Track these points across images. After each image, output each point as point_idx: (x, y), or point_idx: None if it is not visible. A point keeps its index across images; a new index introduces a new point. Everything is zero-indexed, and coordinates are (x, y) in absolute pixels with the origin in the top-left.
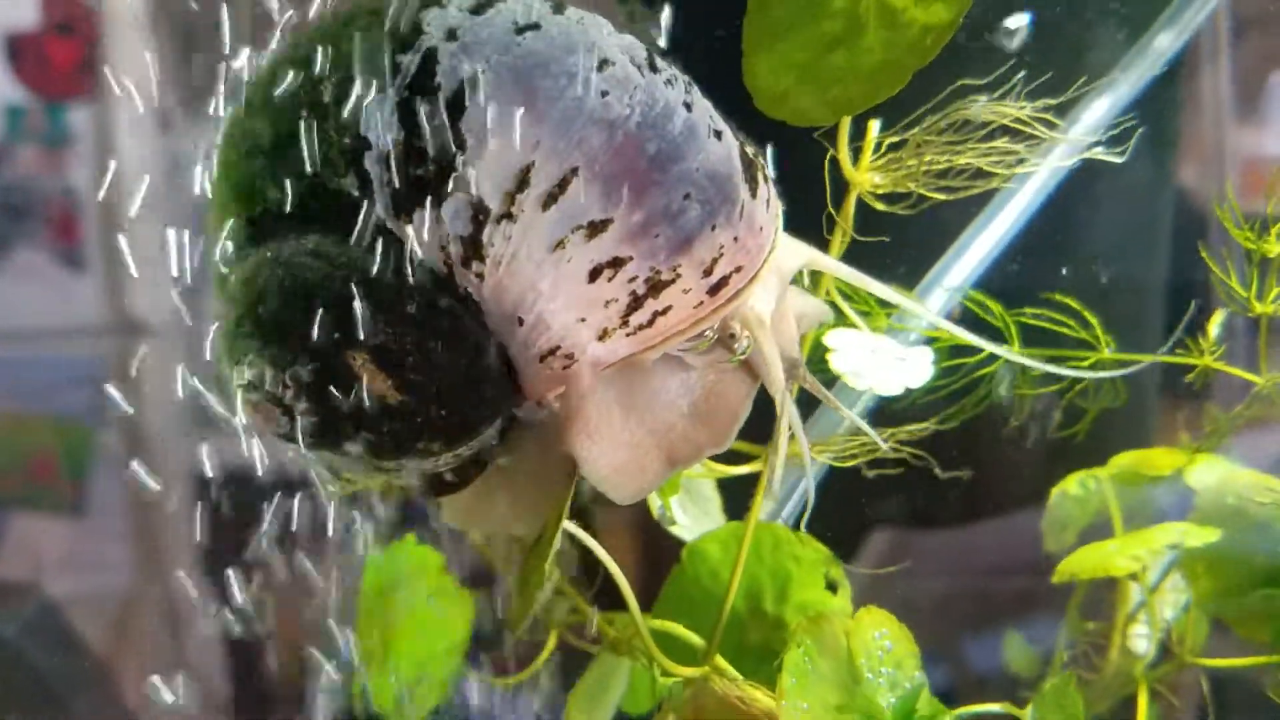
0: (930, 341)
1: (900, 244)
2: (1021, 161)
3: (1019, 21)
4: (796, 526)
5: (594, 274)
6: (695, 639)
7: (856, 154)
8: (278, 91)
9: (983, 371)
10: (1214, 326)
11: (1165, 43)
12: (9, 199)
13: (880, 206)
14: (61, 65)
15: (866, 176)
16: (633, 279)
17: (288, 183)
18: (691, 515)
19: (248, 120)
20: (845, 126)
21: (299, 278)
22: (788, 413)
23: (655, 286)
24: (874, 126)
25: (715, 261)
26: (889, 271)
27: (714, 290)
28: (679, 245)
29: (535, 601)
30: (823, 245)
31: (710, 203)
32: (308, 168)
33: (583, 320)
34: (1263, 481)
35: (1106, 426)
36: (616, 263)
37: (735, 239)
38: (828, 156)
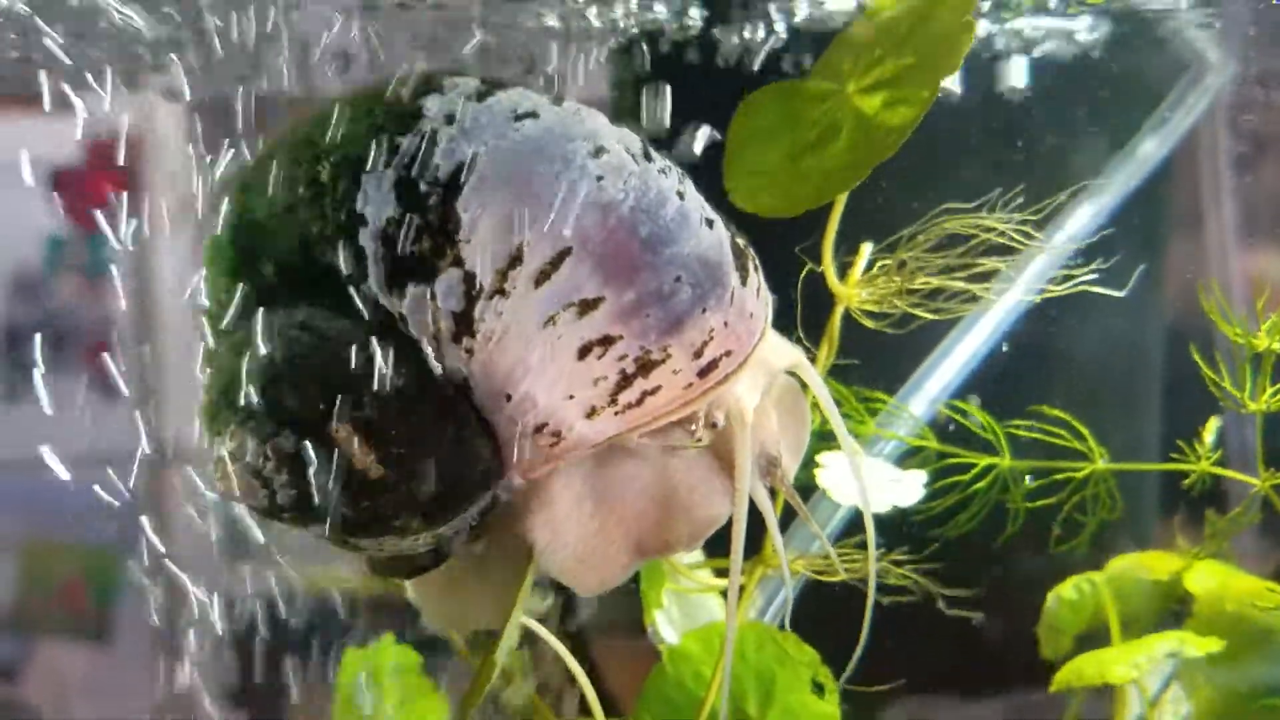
0: (915, 452)
1: (885, 348)
2: (1004, 276)
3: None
4: (783, 626)
5: (584, 351)
6: None
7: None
8: (277, 169)
9: (976, 487)
10: (1209, 433)
11: (1150, 149)
12: (48, 327)
13: (869, 324)
14: (102, 198)
15: (854, 292)
16: (622, 357)
17: (282, 256)
18: (681, 630)
19: (247, 196)
20: (830, 240)
21: (286, 348)
22: (743, 509)
23: (645, 366)
24: (865, 250)
25: (705, 344)
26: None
27: (704, 372)
28: (670, 326)
29: (482, 693)
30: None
31: (701, 286)
32: (303, 242)
33: (571, 397)
34: (1262, 587)
35: (1104, 537)
36: (607, 341)
37: (725, 323)
38: (803, 272)
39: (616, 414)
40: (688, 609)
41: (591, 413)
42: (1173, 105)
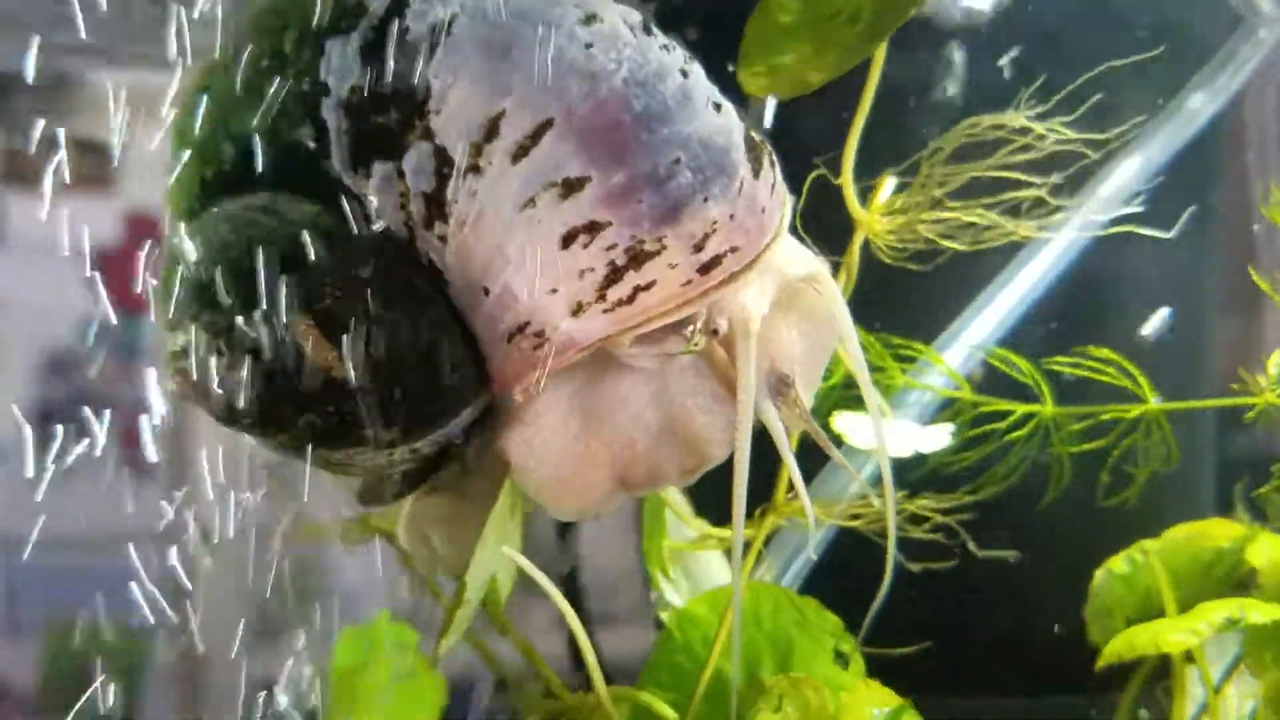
0: (948, 403)
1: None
2: (1046, 206)
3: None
4: (805, 591)
5: (568, 239)
6: (670, 714)
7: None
8: (239, 41)
9: (1013, 435)
10: (1273, 365)
11: (1198, 104)
12: (82, 407)
13: (887, 259)
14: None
15: (875, 219)
16: (611, 247)
17: (244, 136)
18: (687, 595)
19: (211, 76)
20: (850, 157)
21: (244, 234)
22: (747, 428)
23: (637, 257)
24: (888, 179)
25: (707, 237)
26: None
27: (705, 269)
28: (665, 214)
29: (459, 624)
30: None
31: (703, 171)
32: (264, 119)
33: (555, 292)
34: None
35: (1155, 501)
36: (594, 227)
37: (731, 216)
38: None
39: (606, 311)
40: (696, 573)
41: (578, 309)
42: (1223, 60)
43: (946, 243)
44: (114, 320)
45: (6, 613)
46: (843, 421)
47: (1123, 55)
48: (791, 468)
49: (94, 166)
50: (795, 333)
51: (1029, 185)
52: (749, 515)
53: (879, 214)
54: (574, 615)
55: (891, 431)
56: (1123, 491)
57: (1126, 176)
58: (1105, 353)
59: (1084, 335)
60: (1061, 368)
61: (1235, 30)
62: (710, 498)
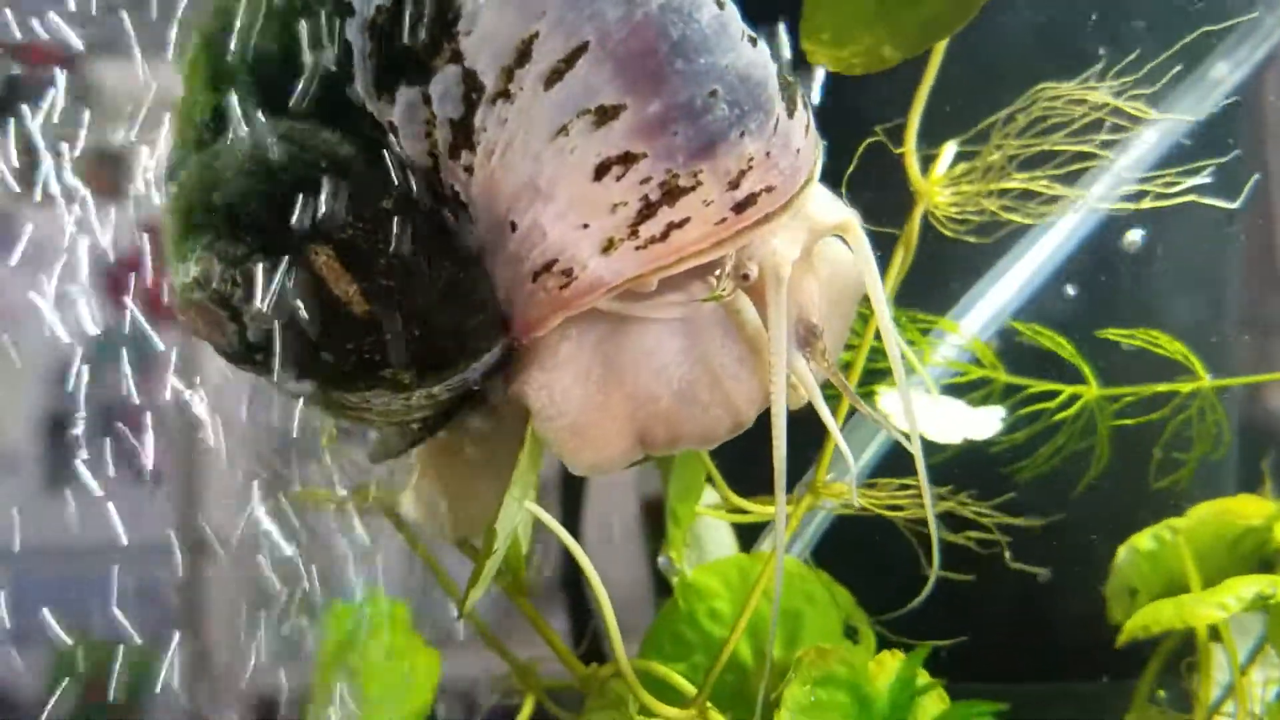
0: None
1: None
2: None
3: None
4: (815, 562)
5: (601, 170)
6: (683, 683)
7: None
8: None
9: (1060, 416)
10: None
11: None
12: (93, 417)
13: (948, 232)
14: (154, 291)
15: (935, 190)
16: (646, 180)
17: (262, 60)
18: (693, 563)
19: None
20: (913, 128)
21: (260, 161)
22: (782, 378)
23: (671, 193)
24: (949, 147)
25: (743, 174)
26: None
27: (740, 208)
28: (701, 147)
29: (486, 575)
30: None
31: (740, 106)
32: (284, 43)
33: (585, 227)
34: None
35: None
36: (628, 159)
37: (768, 154)
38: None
39: (638, 249)
40: (704, 541)
41: (608, 246)
42: (1247, 30)
43: (1010, 215)
44: (125, 330)
45: (14, 623)
46: (888, 400)
47: (1148, 26)
48: (828, 421)
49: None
50: (821, 284)
51: (1092, 156)
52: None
53: (939, 185)
54: (595, 574)
55: (939, 413)
56: (1155, 472)
57: (1146, 146)
58: (1154, 334)
59: (1102, 306)
60: (1117, 336)
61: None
62: (730, 466)
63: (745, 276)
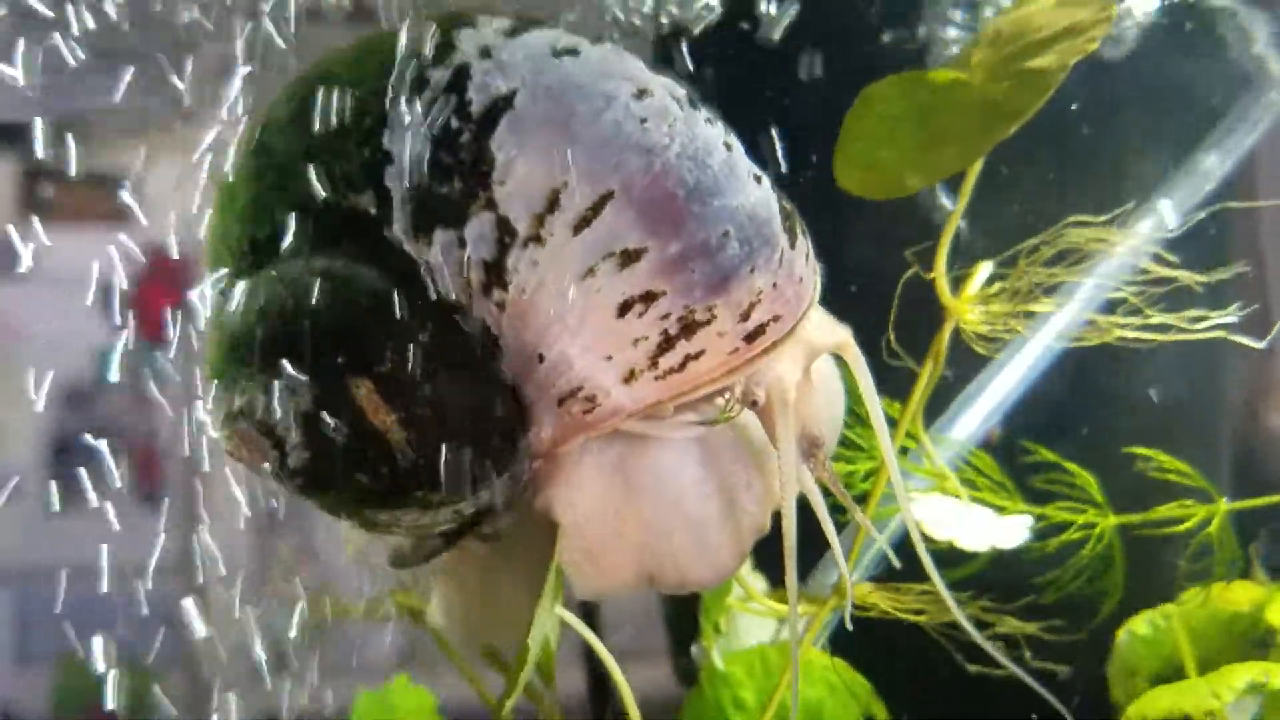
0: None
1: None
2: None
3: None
4: (833, 651)
5: (624, 308)
6: None
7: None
8: (297, 106)
9: (1076, 536)
10: None
11: (1210, 165)
12: (96, 437)
13: (980, 349)
14: (158, 311)
15: (966, 308)
16: (665, 316)
17: (301, 199)
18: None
19: (263, 136)
20: (944, 251)
21: (302, 298)
22: (792, 499)
23: (689, 327)
24: (983, 267)
25: (753, 306)
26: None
27: (750, 338)
28: (716, 284)
29: (521, 683)
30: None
31: (750, 243)
32: (323, 184)
33: (609, 359)
34: None
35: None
36: (649, 297)
37: (774, 285)
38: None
39: (657, 379)
40: (731, 629)
41: (630, 376)
42: (1236, 119)
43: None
44: (132, 351)
45: (19, 642)
46: (920, 509)
47: (1136, 119)
48: (830, 535)
49: (114, 200)
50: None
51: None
52: (805, 573)
53: (970, 304)
54: (614, 663)
55: (967, 520)
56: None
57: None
58: (1168, 459)
59: (1098, 400)
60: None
61: (1246, 92)
62: (769, 551)
63: (754, 403)
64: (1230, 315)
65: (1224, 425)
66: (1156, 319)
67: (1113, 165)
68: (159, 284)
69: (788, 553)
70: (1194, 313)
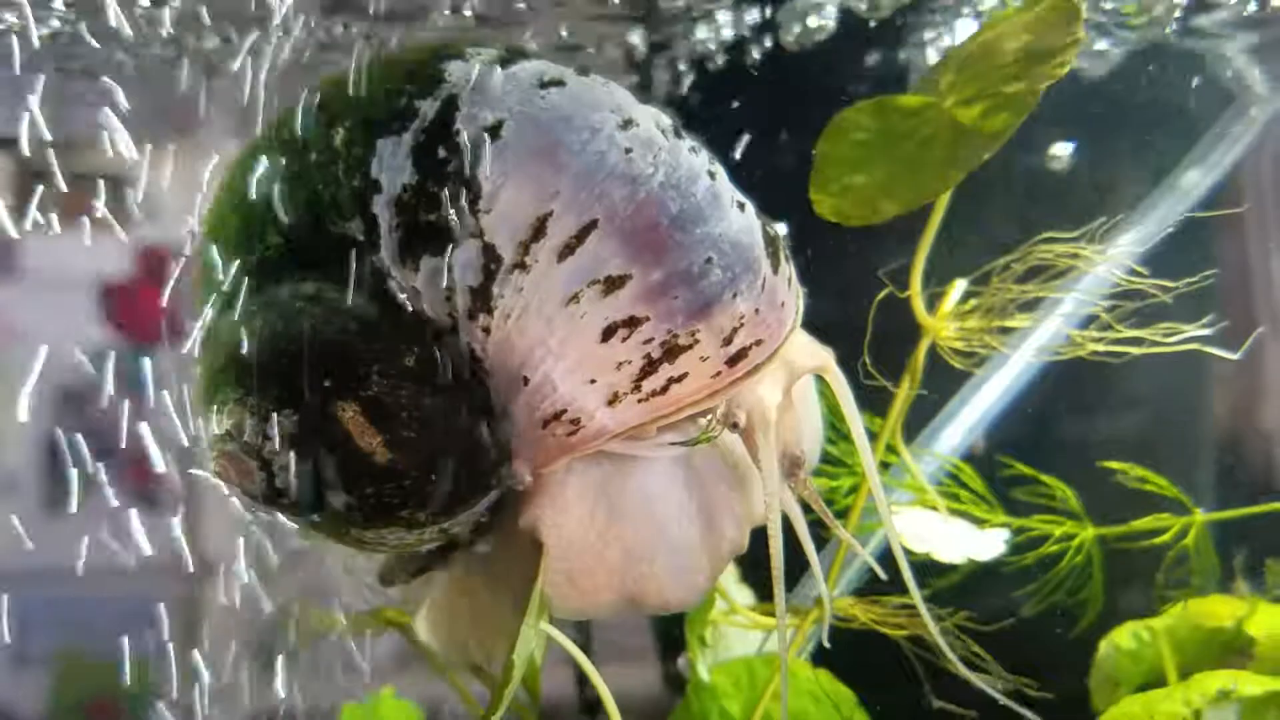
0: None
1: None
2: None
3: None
4: (817, 662)
5: (608, 333)
6: None
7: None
8: (286, 134)
9: (1056, 549)
10: None
11: (1192, 182)
12: (89, 440)
13: (957, 363)
14: (150, 312)
15: (943, 326)
16: (648, 341)
17: (289, 226)
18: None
19: (251, 162)
20: (918, 271)
21: (291, 321)
22: (777, 519)
23: (671, 351)
24: (958, 284)
25: (735, 331)
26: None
27: (732, 361)
28: (699, 309)
29: (506, 700)
30: None
31: (732, 269)
32: (312, 210)
33: (593, 382)
34: None
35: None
36: (632, 322)
37: (756, 310)
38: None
39: (640, 402)
40: (719, 641)
41: (613, 399)
42: (1216, 137)
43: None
44: (125, 352)
45: (16, 644)
46: (903, 522)
47: (1121, 134)
48: (810, 554)
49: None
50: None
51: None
52: (791, 586)
53: (947, 320)
54: (598, 676)
55: (945, 533)
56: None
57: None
58: (1143, 471)
59: (1079, 412)
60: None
61: (1228, 108)
62: (756, 567)
63: (735, 425)
64: (1203, 329)
65: (1207, 436)
66: (1129, 334)
67: (1094, 182)
68: (154, 288)
69: (775, 571)
70: (1166, 326)
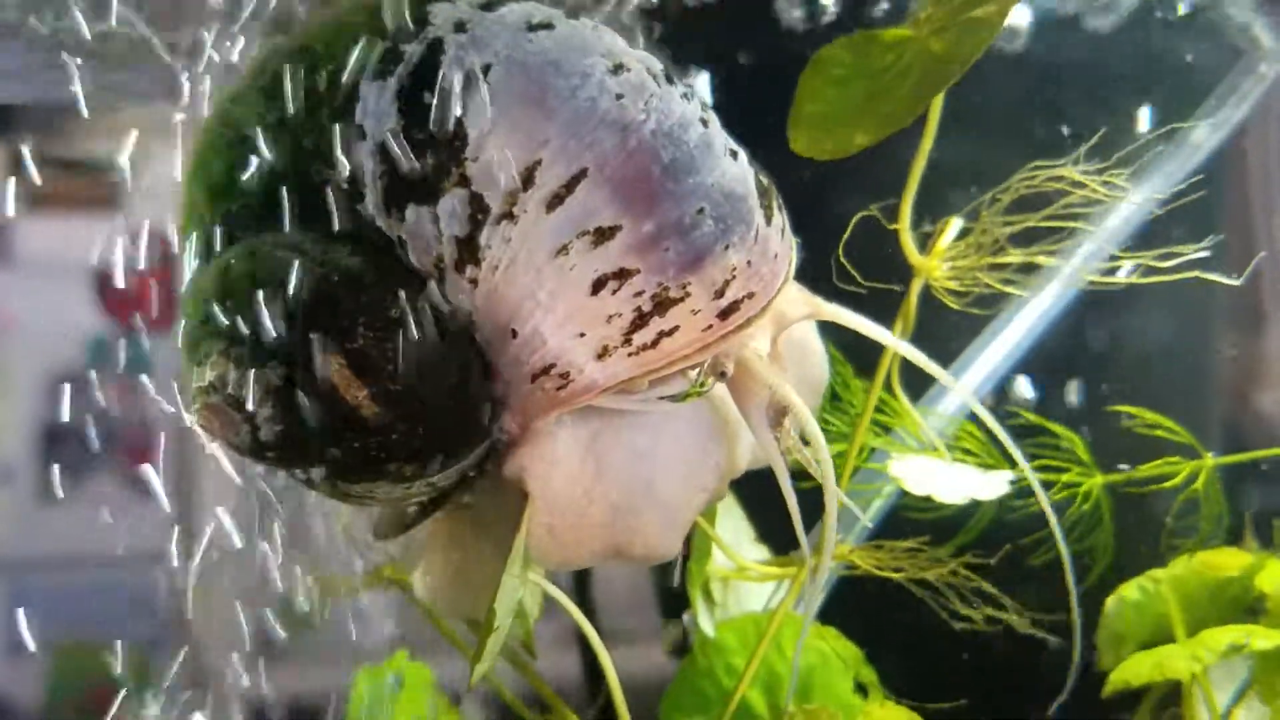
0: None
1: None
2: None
3: None
4: (824, 617)
5: (598, 285)
6: None
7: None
8: (268, 79)
9: (1063, 495)
10: None
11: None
12: (87, 427)
13: (952, 303)
14: (145, 298)
15: (936, 265)
16: (639, 294)
17: (273, 173)
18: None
19: (234, 109)
20: (906, 210)
21: (275, 272)
22: (783, 468)
23: (662, 304)
24: (951, 223)
25: (727, 284)
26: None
27: (724, 314)
28: (690, 262)
29: (490, 651)
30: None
31: (725, 220)
32: (295, 157)
33: (582, 335)
34: None
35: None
36: (623, 274)
37: (749, 263)
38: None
39: (630, 355)
40: (739, 595)
41: (603, 353)
42: (1225, 93)
43: (1008, 288)
44: (121, 340)
45: (10, 632)
46: (899, 466)
47: (1127, 90)
48: (791, 504)
49: (101, 188)
50: (790, 364)
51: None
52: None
53: (939, 259)
54: (600, 645)
55: (948, 476)
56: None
57: (1130, 209)
58: (1151, 415)
59: (1090, 363)
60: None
61: (1237, 64)
62: (774, 523)
63: (723, 374)
64: (1203, 250)
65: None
66: (1129, 259)
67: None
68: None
69: (795, 523)
70: (1164, 250)
